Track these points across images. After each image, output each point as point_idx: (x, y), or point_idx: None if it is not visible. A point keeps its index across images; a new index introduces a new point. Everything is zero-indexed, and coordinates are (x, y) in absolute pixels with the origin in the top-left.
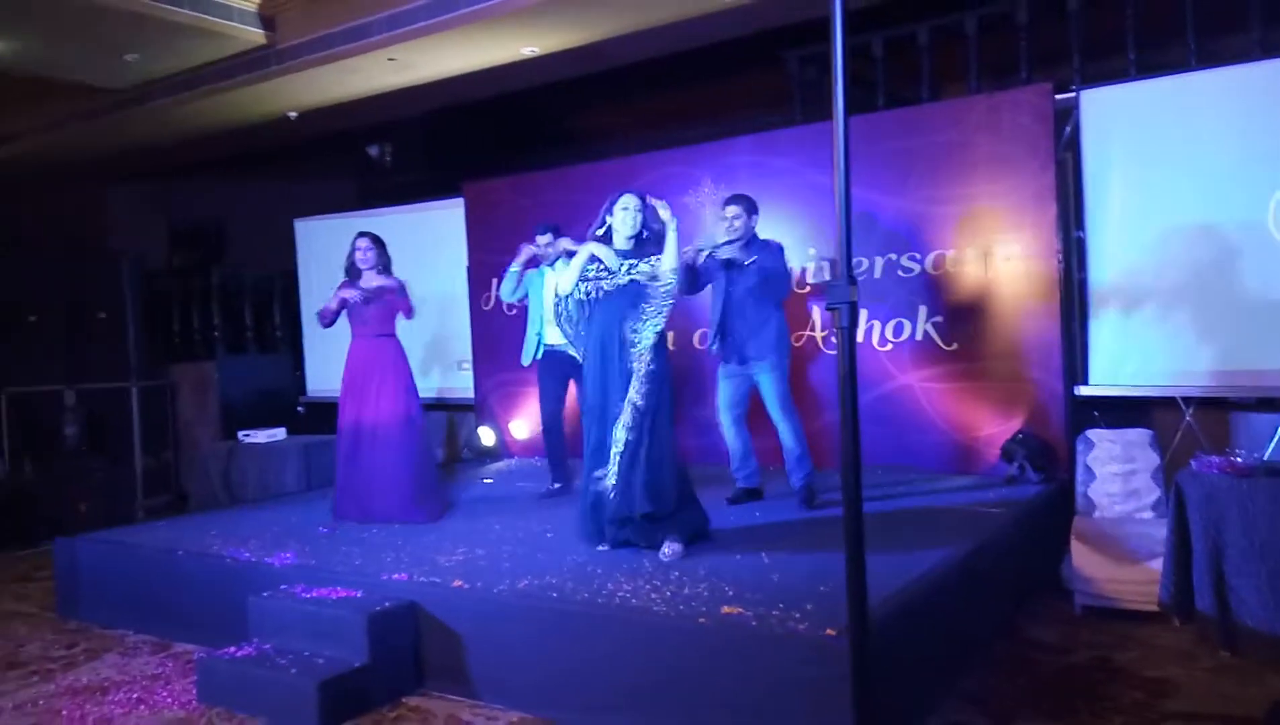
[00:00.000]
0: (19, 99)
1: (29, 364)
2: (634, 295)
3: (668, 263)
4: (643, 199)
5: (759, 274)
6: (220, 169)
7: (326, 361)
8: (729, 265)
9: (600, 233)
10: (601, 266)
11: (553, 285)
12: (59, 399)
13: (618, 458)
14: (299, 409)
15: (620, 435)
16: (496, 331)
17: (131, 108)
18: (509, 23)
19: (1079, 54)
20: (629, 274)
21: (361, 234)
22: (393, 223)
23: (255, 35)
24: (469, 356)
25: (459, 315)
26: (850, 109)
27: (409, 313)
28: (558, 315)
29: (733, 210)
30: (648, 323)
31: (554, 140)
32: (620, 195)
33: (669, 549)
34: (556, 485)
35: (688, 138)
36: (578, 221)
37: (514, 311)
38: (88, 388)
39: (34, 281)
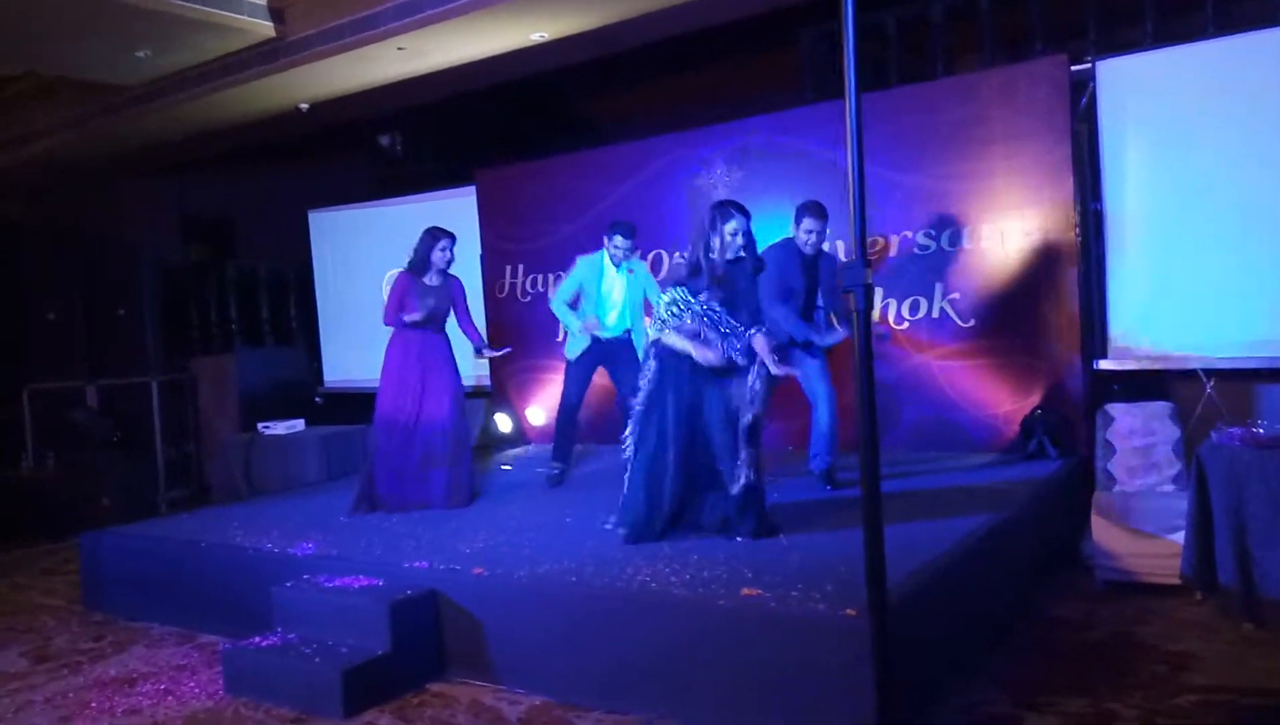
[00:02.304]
0: (33, 98)
1: (50, 361)
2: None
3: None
4: (748, 217)
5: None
6: (233, 162)
7: (343, 353)
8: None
9: (701, 252)
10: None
11: (613, 284)
12: (80, 395)
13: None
14: (317, 400)
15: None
16: (513, 319)
17: (144, 104)
18: (518, 8)
19: (1094, 24)
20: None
21: (445, 233)
22: (406, 212)
23: (265, 28)
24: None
25: (474, 303)
26: (863, 86)
27: (467, 320)
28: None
29: (818, 225)
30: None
31: (565, 126)
32: (731, 214)
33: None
34: (557, 468)
35: (701, 119)
36: (593, 207)
37: (529, 298)
38: (108, 383)
39: (53, 280)
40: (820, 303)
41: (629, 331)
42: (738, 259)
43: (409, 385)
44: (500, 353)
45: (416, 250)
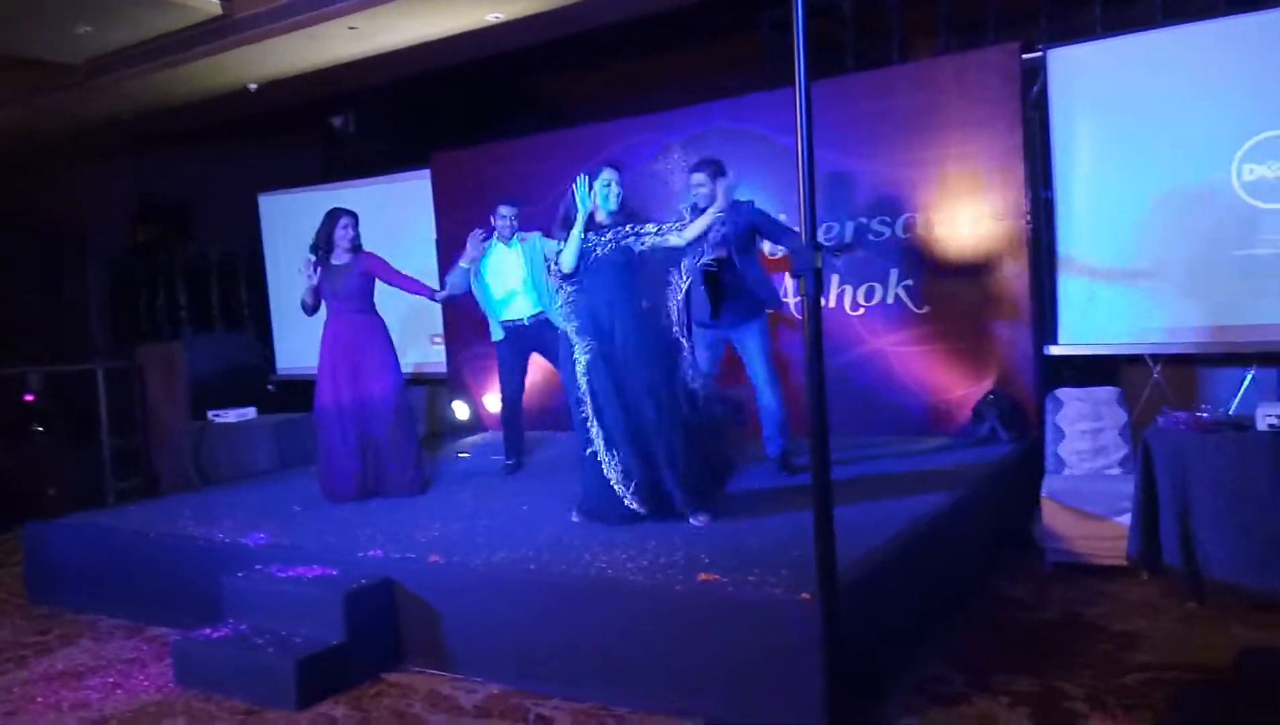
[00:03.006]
0: None
1: None
2: (634, 264)
3: (693, 232)
4: (619, 170)
5: (740, 237)
6: (182, 144)
7: (296, 339)
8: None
9: (577, 214)
10: (603, 235)
11: (504, 260)
12: (24, 381)
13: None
14: (269, 387)
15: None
16: (468, 305)
17: (88, 82)
18: None
19: (1045, 13)
20: (641, 241)
21: (345, 211)
22: (360, 195)
23: (211, 5)
24: (441, 330)
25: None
26: (819, 71)
27: (404, 281)
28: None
29: (699, 177)
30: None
31: (522, 108)
32: (600, 170)
33: (700, 519)
34: (510, 462)
35: (660, 103)
36: (551, 190)
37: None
38: (53, 370)
39: None
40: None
41: (545, 312)
42: (620, 209)
43: (340, 372)
44: (456, 293)
45: (318, 233)
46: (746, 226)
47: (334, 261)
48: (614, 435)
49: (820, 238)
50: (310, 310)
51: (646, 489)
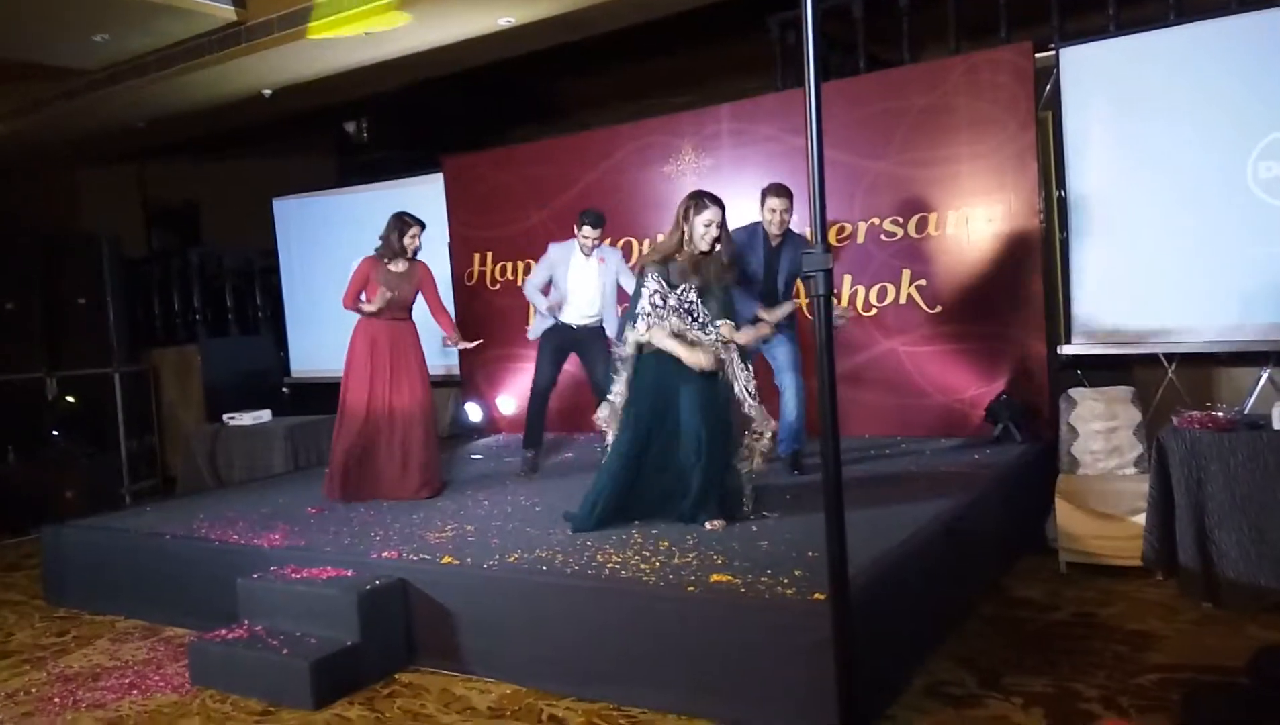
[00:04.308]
0: None
1: (8, 352)
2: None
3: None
4: (722, 208)
5: (794, 268)
6: (196, 149)
7: (310, 342)
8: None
9: (676, 242)
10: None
11: (578, 267)
12: (40, 387)
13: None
14: (283, 390)
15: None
16: (481, 308)
17: (103, 89)
18: None
19: (1058, 12)
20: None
21: (417, 220)
22: (372, 199)
23: (226, 11)
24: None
25: (442, 291)
26: (830, 73)
27: (439, 310)
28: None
29: (781, 203)
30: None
31: (533, 112)
32: (706, 205)
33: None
34: (529, 453)
35: (670, 106)
36: (562, 194)
37: (498, 286)
38: (69, 374)
39: (10, 269)
40: (780, 285)
41: (601, 320)
42: (711, 250)
43: (377, 374)
44: (470, 345)
45: (385, 235)
46: (795, 261)
47: (391, 266)
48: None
49: (833, 238)
50: (355, 309)
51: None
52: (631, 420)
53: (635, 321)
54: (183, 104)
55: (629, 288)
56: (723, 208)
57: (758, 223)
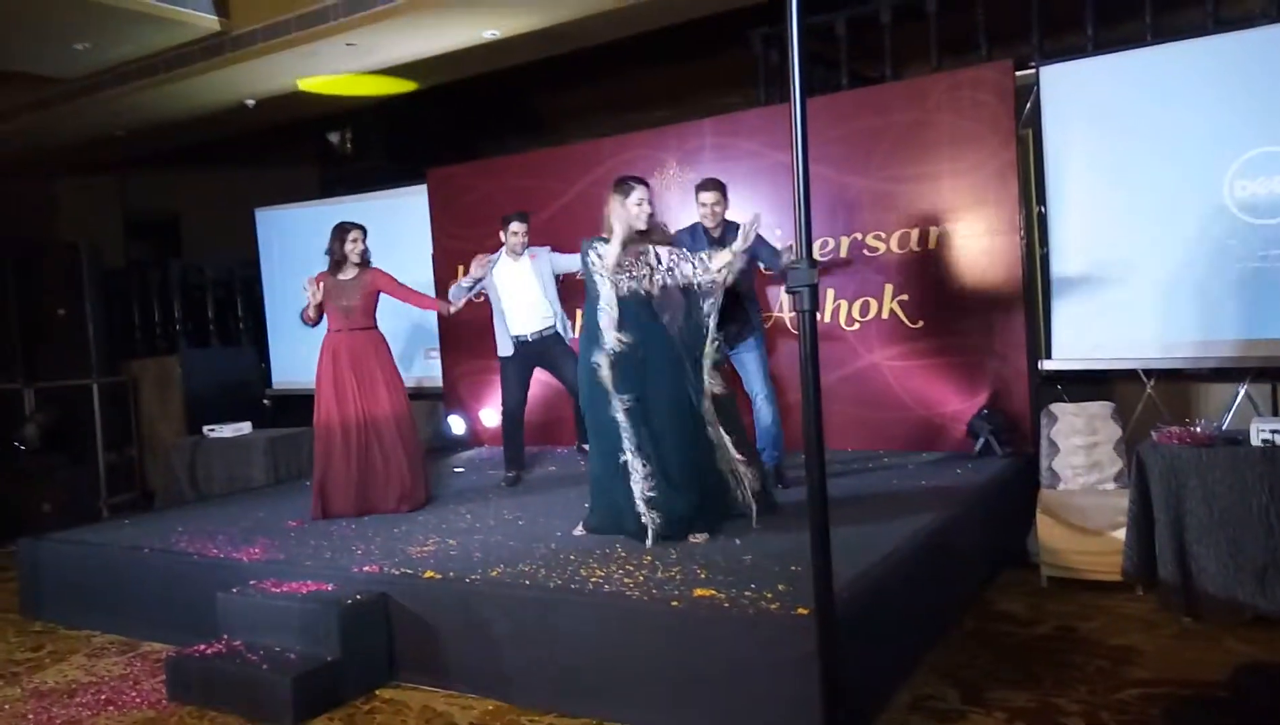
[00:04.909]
0: None
1: None
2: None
3: (723, 260)
4: (649, 187)
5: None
6: (177, 159)
7: (292, 354)
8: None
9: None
10: (640, 260)
11: (511, 275)
12: (18, 398)
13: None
14: (265, 402)
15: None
16: (464, 319)
17: (83, 98)
18: (469, 4)
19: (1038, 30)
20: (672, 276)
21: (355, 225)
22: (356, 210)
23: (209, 21)
24: (436, 344)
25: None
26: (813, 89)
27: (414, 297)
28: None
29: (712, 196)
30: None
31: (518, 125)
32: (631, 186)
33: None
34: (510, 474)
35: (653, 120)
36: (546, 206)
37: (482, 298)
38: (47, 386)
39: None
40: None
41: (554, 325)
42: (648, 228)
43: (345, 388)
44: (458, 306)
45: (329, 247)
46: (750, 250)
47: (341, 276)
48: (643, 459)
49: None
50: (312, 323)
51: (665, 510)
52: (607, 421)
53: (598, 303)
54: (165, 113)
55: (570, 268)
56: (648, 186)
57: (696, 223)
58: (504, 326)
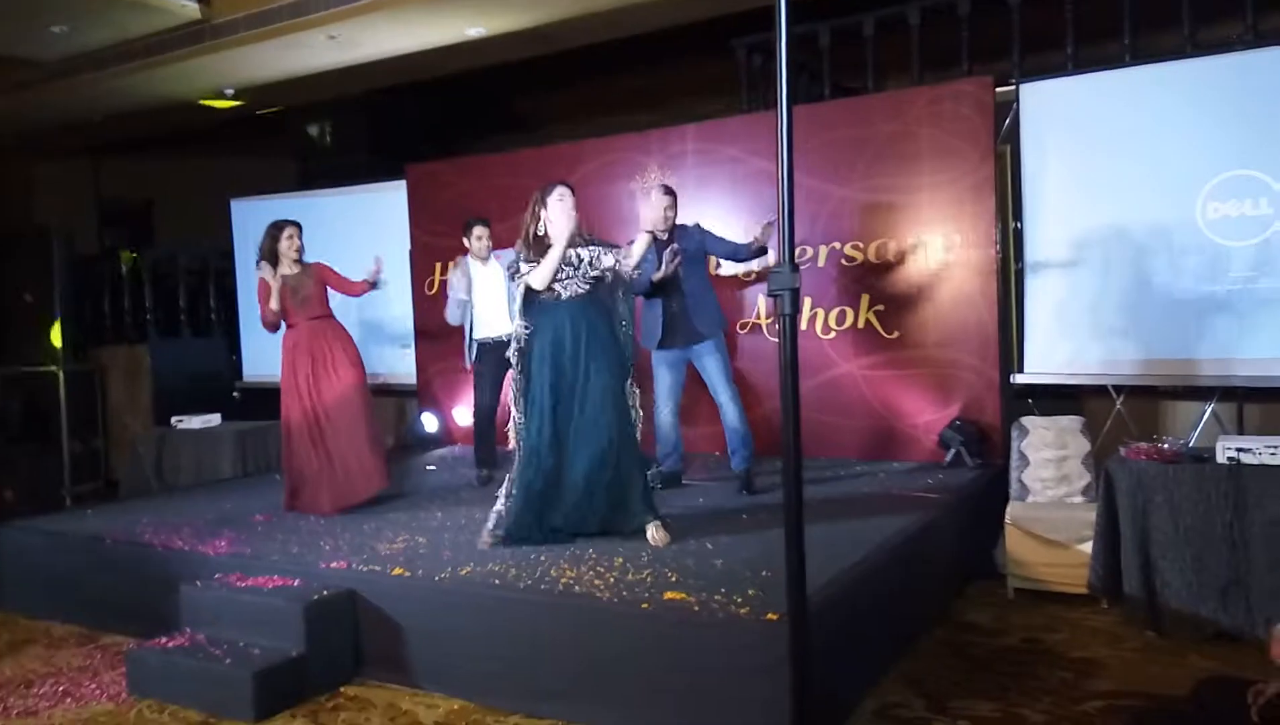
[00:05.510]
0: None
1: None
2: (598, 292)
3: (634, 259)
4: (572, 189)
5: (691, 258)
6: (153, 146)
7: (264, 346)
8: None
9: (534, 229)
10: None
11: (478, 278)
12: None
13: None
14: (235, 394)
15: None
16: (439, 316)
17: (59, 81)
18: (454, 1)
19: (1019, 48)
20: (593, 270)
21: (289, 222)
22: (334, 204)
23: (190, 9)
24: (410, 339)
25: (401, 299)
26: (796, 98)
27: (349, 286)
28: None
29: (667, 201)
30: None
31: (499, 123)
32: (553, 186)
33: (659, 534)
34: (482, 473)
35: (634, 124)
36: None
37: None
38: (12, 371)
39: None
40: (684, 274)
41: None
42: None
43: (300, 381)
44: (377, 272)
45: (261, 247)
46: (697, 247)
47: (284, 271)
48: (564, 455)
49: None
50: (274, 326)
51: (588, 508)
52: (533, 410)
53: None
54: (141, 100)
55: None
56: (571, 188)
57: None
58: (469, 334)
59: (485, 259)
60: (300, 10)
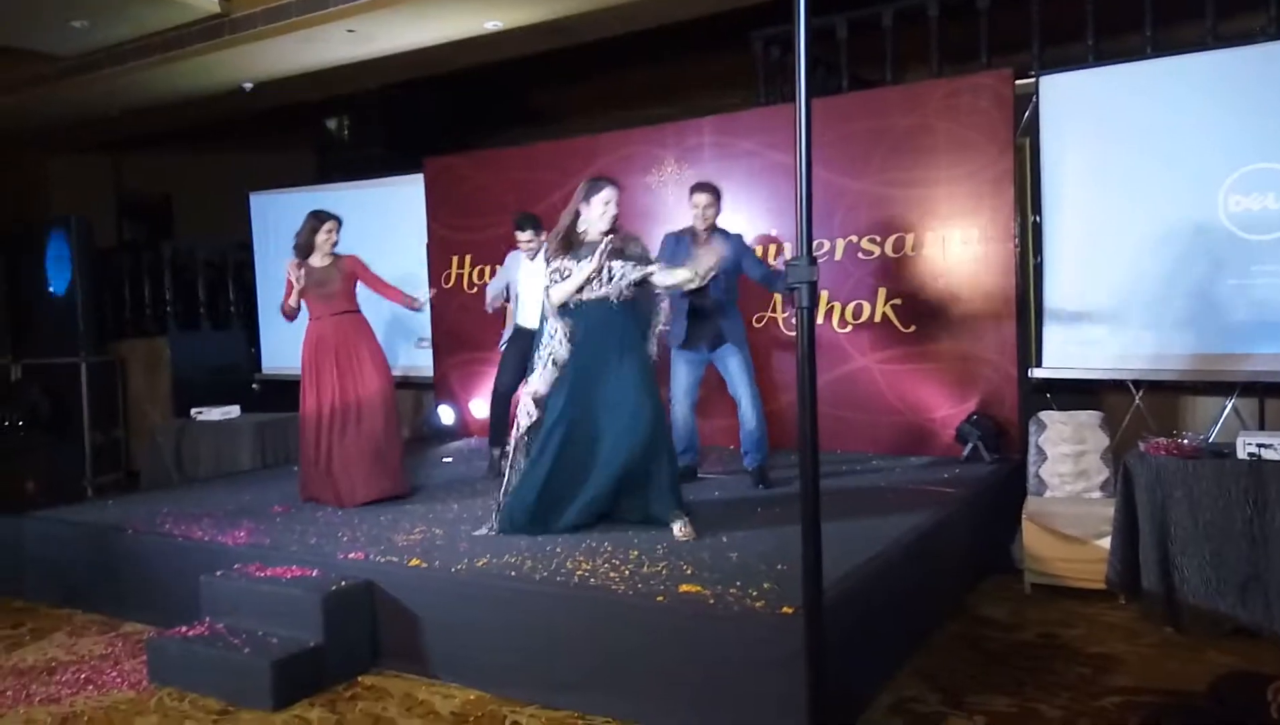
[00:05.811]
0: None
1: None
2: (629, 308)
3: (671, 281)
4: (620, 189)
5: (727, 266)
6: (173, 140)
7: (282, 338)
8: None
9: (571, 223)
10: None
11: (526, 271)
12: (4, 374)
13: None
14: (254, 386)
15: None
16: (457, 310)
17: (79, 76)
18: None
19: (1039, 40)
20: (626, 285)
21: (331, 215)
22: (352, 198)
23: (209, 3)
24: (427, 333)
25: (418, 292)
26: (813, 91)
27: (385, 288)
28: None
29: (704, 198)
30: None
31: (516, 117)
32: (602, 186)
33: (685, 531)
34: (497, 451)
35: (652, 117)
36: (543, 199)
37: (474, 289)
38: (35, 363)
39: None
40: (713, 281)
41: None
42: (611, 228)
43: (326, 375)
44: (426, 297)
45: (299, 234)
46: (734, 260)
47: (314, 264)
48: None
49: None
50: (292, 315)
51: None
52: (560, 407)
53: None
54: (161, 94)
55: None
56: (619, 188)
57: (689, 227)
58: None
59: (532, 257)
60: (319, 3)
